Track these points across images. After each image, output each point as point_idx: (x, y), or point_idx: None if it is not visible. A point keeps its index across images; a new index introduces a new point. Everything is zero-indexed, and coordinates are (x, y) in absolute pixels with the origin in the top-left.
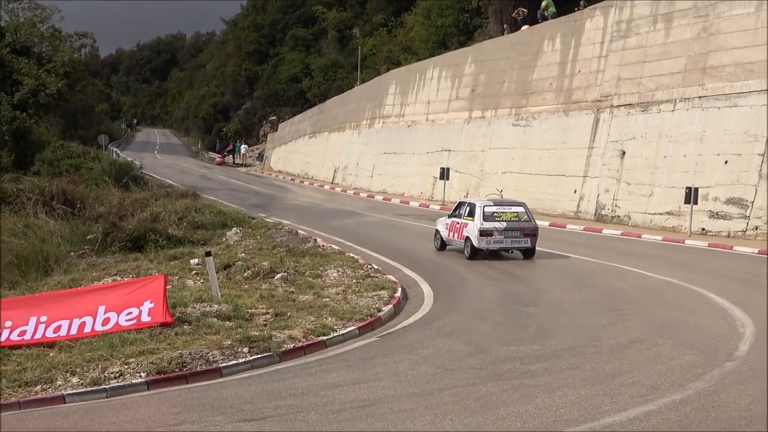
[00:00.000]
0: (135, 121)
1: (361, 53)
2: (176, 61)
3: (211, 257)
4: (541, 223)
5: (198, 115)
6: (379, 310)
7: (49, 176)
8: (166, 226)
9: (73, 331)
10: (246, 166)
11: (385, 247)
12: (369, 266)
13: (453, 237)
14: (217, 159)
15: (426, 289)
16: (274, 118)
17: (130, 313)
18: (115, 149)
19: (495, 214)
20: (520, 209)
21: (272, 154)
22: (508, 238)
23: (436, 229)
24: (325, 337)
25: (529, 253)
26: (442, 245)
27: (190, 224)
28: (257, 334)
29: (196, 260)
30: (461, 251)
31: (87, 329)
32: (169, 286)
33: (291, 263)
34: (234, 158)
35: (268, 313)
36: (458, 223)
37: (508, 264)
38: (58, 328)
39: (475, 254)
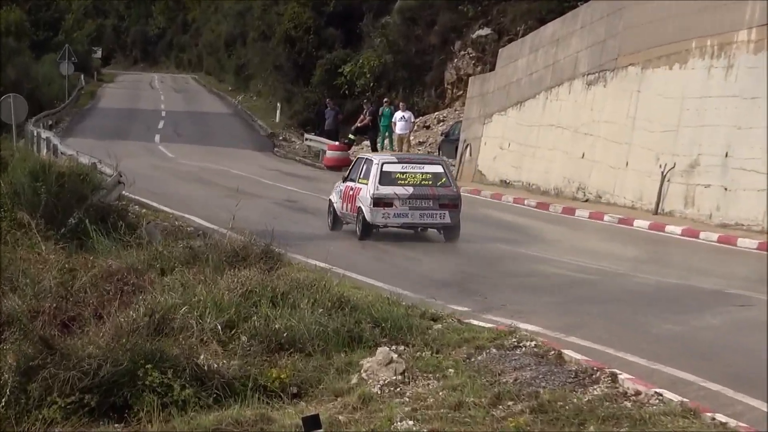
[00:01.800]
0: (99, 52)
1: None
2: None
3: None
4: None
5: (269, 36)
6: None
7: None
8: (194, 348)
9: None
10: None
11: None
12: None
13: (346, 210)
14: (330, 152)
15: None
16: (486, 32)
17: None
18: (47, 135)
19: (398, 176)
20: (437, 168)
21: (484, 132)
22: (415, 209)
23: (329, 200)
24: None
25: (450, 233)
26: (335, 222)
27: (260, 339)
28: None
29: None
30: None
31: None
32: None
33: None
34: (375, 147)
35: None
36: (352, 189)
37: None
38: None
39: (369, 233)
